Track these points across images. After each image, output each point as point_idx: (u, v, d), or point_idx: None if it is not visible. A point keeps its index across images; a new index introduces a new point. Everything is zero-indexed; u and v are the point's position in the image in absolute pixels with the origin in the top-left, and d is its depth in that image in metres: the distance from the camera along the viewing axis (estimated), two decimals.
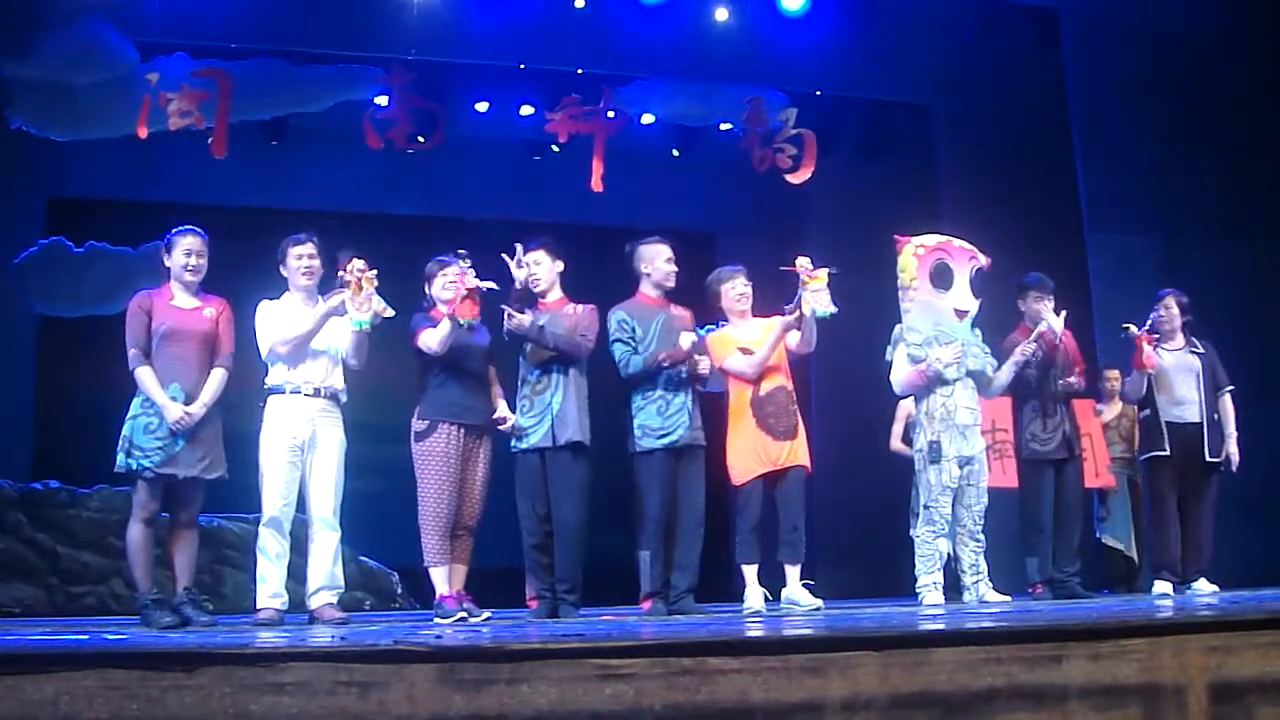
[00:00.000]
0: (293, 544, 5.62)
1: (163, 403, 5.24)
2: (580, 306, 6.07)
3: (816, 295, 5.90)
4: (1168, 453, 6.97)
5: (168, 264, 5.55)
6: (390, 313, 5.58)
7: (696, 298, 6.39)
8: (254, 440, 5.60)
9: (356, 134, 9.29)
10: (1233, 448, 7.01)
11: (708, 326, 6.29)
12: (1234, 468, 7.00)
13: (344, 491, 5.72)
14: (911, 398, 6.70)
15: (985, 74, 9.75)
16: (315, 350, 5.67)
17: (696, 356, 6.02)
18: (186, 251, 5.50)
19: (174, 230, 5.59)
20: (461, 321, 5.63)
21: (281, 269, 5.79)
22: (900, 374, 6.46)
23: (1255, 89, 9.17)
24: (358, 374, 5.82)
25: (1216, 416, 7.01)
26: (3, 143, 8.96)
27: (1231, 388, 7.09)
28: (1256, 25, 9.19)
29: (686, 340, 6.00)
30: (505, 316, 5.77)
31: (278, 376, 5.66)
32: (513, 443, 5.94)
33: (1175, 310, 7.13)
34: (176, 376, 5.33)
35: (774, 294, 6.30)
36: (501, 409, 5.93)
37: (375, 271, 5.52)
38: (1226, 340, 7.49)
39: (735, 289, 6.29)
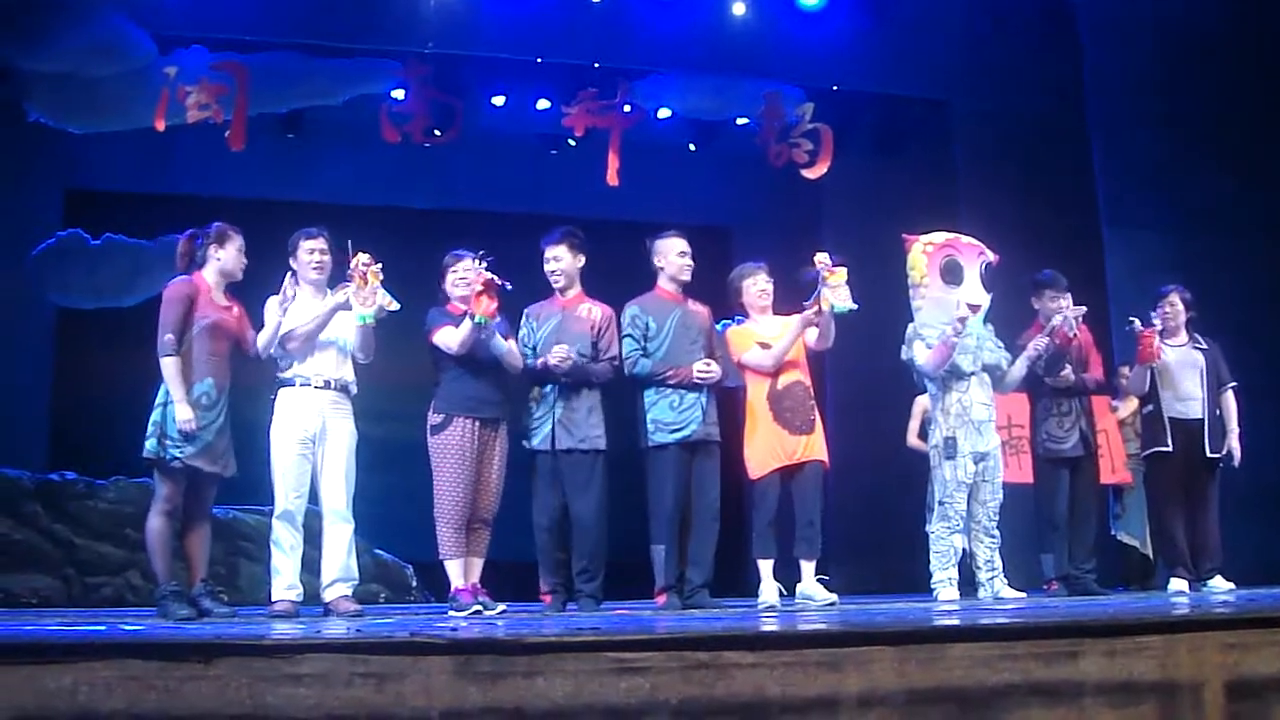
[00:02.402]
0: (306, 536, 5.62)
1: (179, 399, 5.22)
2: (595, 307, 6.05)
3: (836, 291, 5.89)
4: (1170, 448, 6.92)
5: (215, 256, 5.49)
6: (395, 306, 5.55)
7: (712, 293, 6.37)
8: (266, 433, 5.61)
9: (373, 127, 9.31)
10: (1234, 443, 6.94)
11: (724, 321, 6.28)
12: (1235, 463, 6.95)
13: (358, 484, 5.71)
14: (928, 394, 6.68)
15: (1002, 69, 9.74)
16: (324, 342, 5.65)
17: (704, 374, 5.99)
18: (240, 249, 5.52)
19: (226, 225, 5.55)
20: (481, 320, 5.53)
21: (291, 261, 5.77)
22: (924, 356, 6.40)
23: (1273, 85, 9.12)
24: (372, 366, 5.81)
25: (1219, 413, 6.96)
26: (21, 134, 8.99)
27: (1234, 384, 7.03)
28: (1274, 21, 9.14)
29: (697, 369, 5.98)
30: (550, 359, 5.77)
31: (287, 369, 5.65)
32: (523, 442, 5.94)
33: (1180, 306, 7.05)
34: (213, 373, 5.35)
35: (790, 289, 6.29)
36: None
37: (380, 265, 5.49)
38: (1242, 336, 7.45)
39: (757, 285, 6.26)
